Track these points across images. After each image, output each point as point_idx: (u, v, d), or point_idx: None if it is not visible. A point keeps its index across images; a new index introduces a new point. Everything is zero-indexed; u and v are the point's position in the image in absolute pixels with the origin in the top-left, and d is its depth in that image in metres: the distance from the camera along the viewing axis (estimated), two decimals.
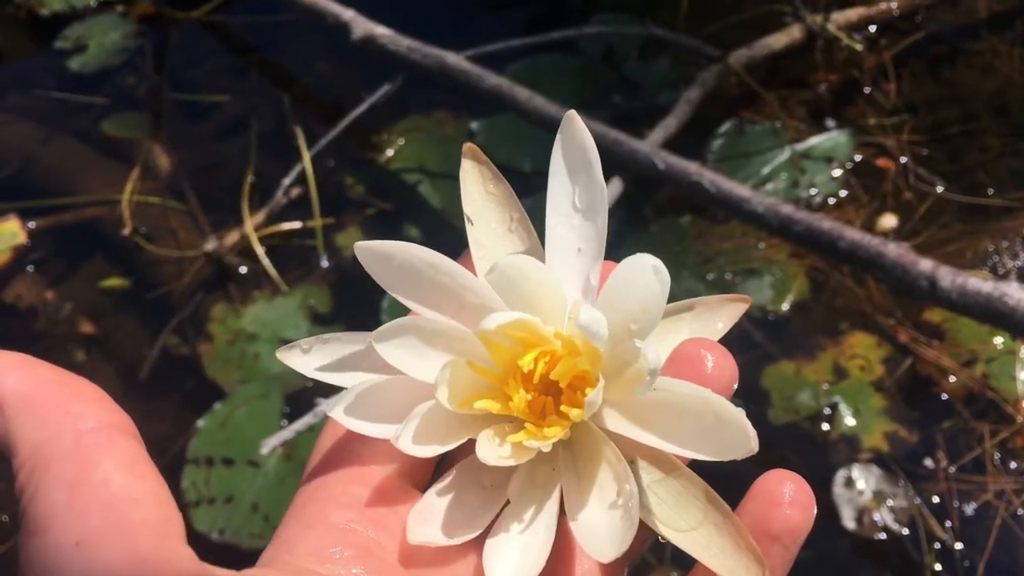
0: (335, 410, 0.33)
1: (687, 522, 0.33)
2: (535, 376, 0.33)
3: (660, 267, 0.32)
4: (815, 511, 0.33)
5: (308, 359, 0.35)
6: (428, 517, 0.32)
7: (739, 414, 0.31)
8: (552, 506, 0.33)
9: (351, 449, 0.34)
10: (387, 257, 0.33)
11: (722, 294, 0.37)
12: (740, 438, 0.31)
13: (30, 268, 1.40)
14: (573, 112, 0.35)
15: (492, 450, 0.33)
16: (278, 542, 0.31)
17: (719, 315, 0.37)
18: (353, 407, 0.33)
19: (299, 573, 0.29)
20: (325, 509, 0.32)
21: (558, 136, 0.35)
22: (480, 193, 0.36)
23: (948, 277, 1.03)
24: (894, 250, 1.06)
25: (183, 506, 1.16)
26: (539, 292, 0.33)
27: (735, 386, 0.35)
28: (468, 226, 0.36)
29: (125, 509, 0.26)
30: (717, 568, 0.32)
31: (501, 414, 0.34)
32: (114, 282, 1.39)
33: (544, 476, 0.34)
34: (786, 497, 0.33)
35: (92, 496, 0.26)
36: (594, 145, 0.35)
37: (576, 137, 0.35)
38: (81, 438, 0.27)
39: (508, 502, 0.33)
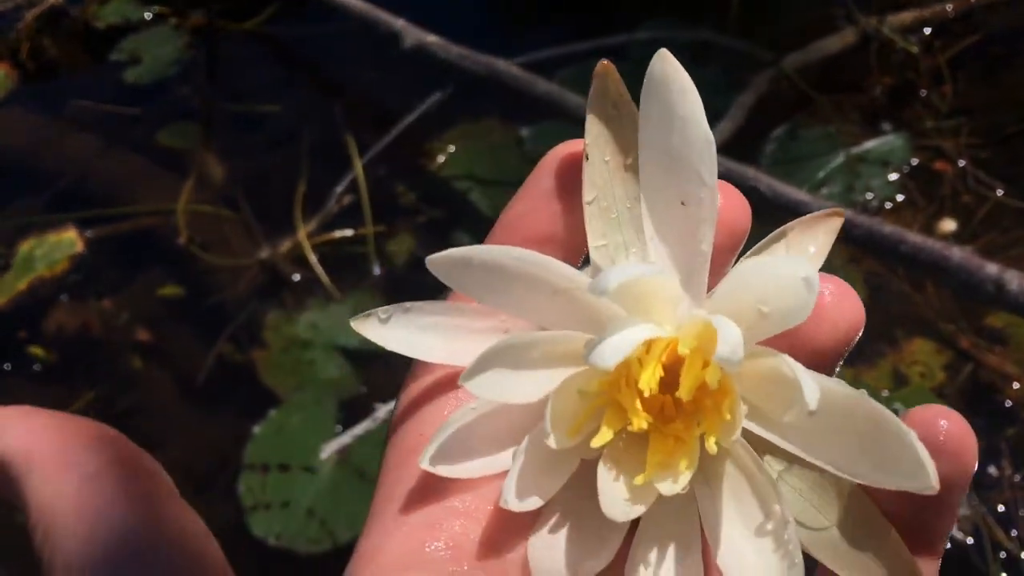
0: (424, 460, 0.28)
1: (826, 517, 0.27)
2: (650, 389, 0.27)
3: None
4: (976, 461, 0.27)
5: (385, 330, 0.30)
6: (551, 552, 0.27)
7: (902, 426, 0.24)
8: (694, 531, 0.28)
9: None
10: (464, 262, 0.28)
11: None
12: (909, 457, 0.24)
13: (64, 297, 1.41)
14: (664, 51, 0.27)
15: (618, 499, 0.27)
16: (358, 556, 0.28)
17: (814, 238, 0.30)
18: (446, 451, 0.28)
19: None
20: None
21: (646, 80, 0.28)
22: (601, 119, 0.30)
23: (1016, 280, 1.01)
24: (958, 253, 1.04)
25: (240, 511, 1.17)
26: (651, 292, 0.27)
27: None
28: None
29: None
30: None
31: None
32: (170, 290, 1.41)
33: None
34: (941, 436, 0.26)
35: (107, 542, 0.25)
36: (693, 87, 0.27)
37: (670, 75, 0.27)
38: (84, 486, 0.26)
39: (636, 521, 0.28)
